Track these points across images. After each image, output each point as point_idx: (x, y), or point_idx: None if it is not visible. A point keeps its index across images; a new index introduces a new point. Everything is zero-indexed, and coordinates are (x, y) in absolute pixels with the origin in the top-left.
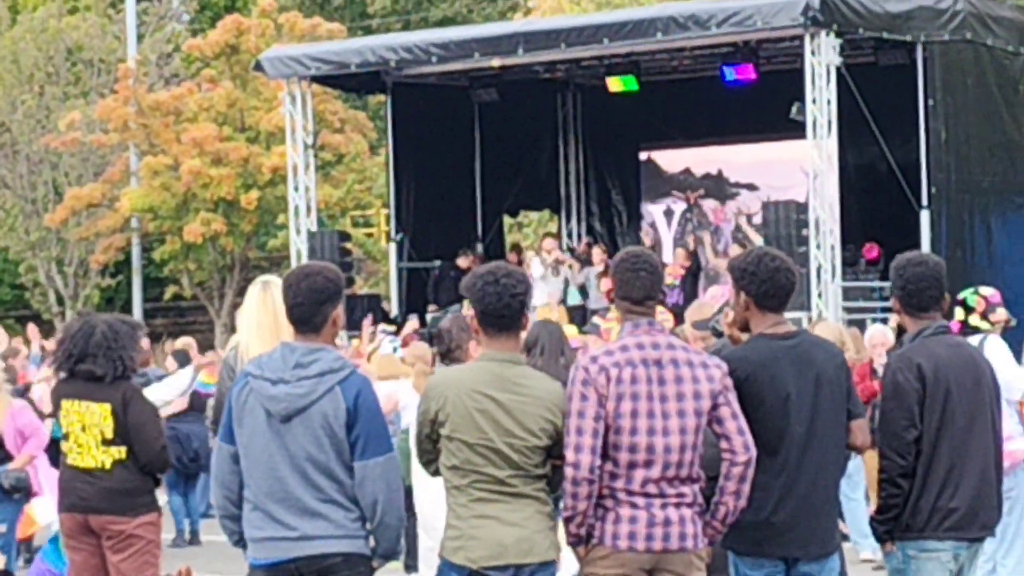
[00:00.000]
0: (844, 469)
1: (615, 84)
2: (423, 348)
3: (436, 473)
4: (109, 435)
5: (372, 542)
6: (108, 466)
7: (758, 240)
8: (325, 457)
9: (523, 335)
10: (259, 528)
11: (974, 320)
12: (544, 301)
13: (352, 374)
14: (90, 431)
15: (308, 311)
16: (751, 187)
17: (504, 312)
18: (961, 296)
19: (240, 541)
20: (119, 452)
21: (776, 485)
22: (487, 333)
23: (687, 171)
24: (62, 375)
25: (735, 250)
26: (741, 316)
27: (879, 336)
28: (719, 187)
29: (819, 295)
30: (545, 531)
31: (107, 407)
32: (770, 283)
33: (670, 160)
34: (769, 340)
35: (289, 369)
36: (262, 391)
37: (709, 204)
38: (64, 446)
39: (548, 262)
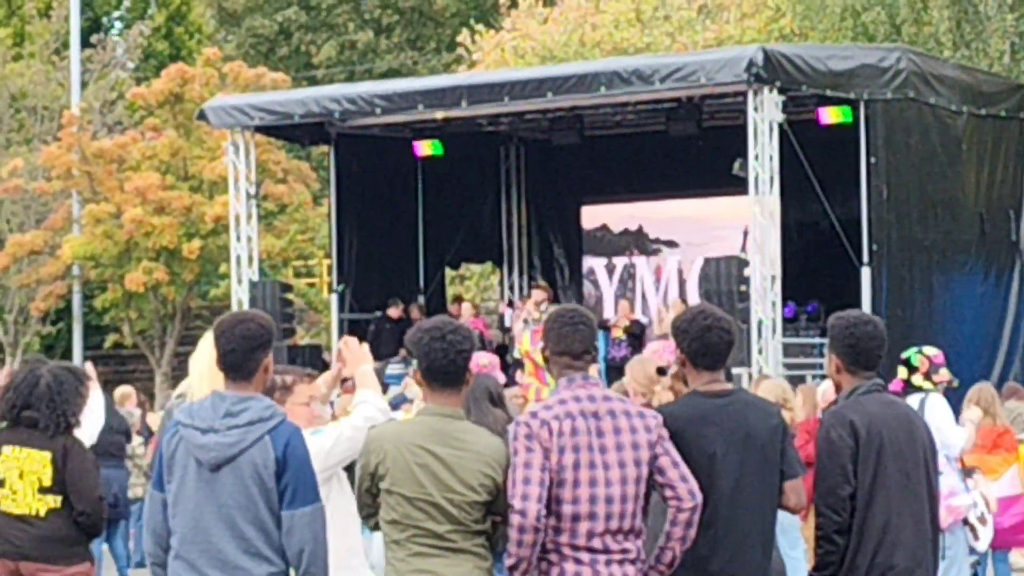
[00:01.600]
0: (772, 529)
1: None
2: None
3: (376, 527)
4: (47, 483)
5: None
6: (43, 514)
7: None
8: (254, 506)
9: (465, 390)
10: (181, 572)
11: (917, 380)
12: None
13: (282, 423)
14: (27, 478)
15: (240, 358)
16: (687, 244)
17: (449, 369)
18: (904, 355)
19: None
20: (55, 500)
21: (703, 541)
22: (430, 387)
23: (627, 228)
24: (3, 424)
25: (677, 306)
26: (680, 372)
27: (831, 393)
28: (653, 242)
29: (759, 351)
30: None
31: (47, 455)
32: (701, 341)
33: (611, 215)
34: (702, 397)
35: (219, 418)
36: (192, 440)
37: (651, 260)
38: None
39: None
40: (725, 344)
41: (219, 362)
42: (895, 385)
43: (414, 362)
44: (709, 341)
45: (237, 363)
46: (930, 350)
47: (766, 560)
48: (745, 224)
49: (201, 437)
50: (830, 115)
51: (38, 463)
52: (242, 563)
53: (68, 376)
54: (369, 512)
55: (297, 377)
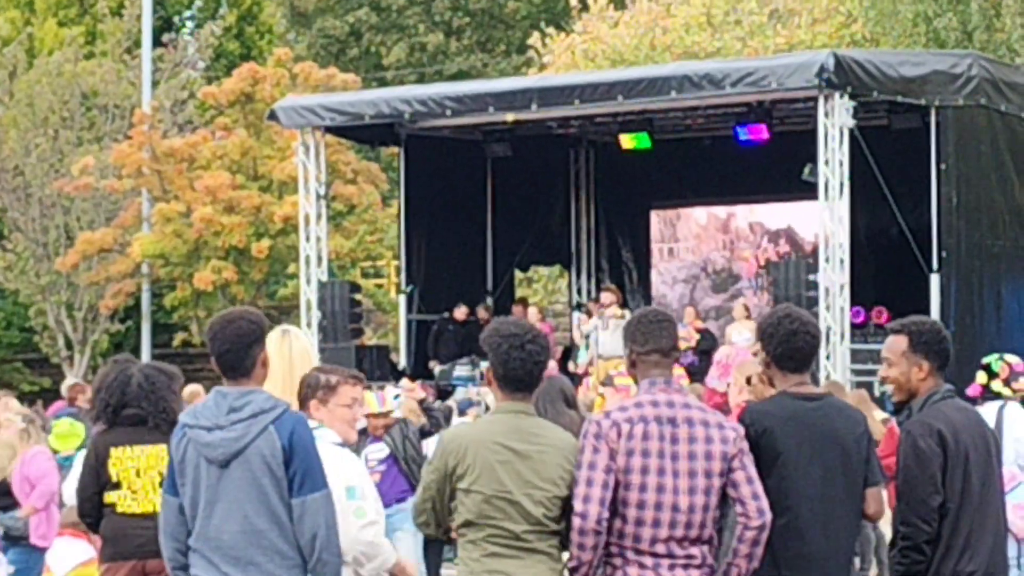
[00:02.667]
0: (855, 535)
1: (628, 141)
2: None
3: (432, 535)
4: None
5: None
6: None
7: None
8: (266, 498)
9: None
10: (198, 568)
11: (996, 386)
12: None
13: (285, 412)
14: (146, 475)
15: (235, 357)
16: (761, 244)
17: (526, 379)
18: (985, 361)
19: None
20: None
21: (782, 547)
22: (503, 390)
23: (700, 230)
24: (102, 426)
25: (740, 311)
26: (765, 374)
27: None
28: (730, 247)
29: (827, 356)
30: None
31: (163, 448)
32: (788, 345)
33: (683, 218)
34: (792, 399)
35: (223, 415)
36: (198, 439)
37: (719, 263)
38: (111, 496)
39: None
40: (811, 347)
41: (217, 364)
42: (973, 390)
43: (483, 364)
44: (795, 345)
45: (233, 362)
46: (1012, 357)
47: (849, 565)
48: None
49: (207, 435)
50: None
51: (157, 458)
52: (255, 558)
53: (158, 374)
54: (431, 519)
55: (342, 378)
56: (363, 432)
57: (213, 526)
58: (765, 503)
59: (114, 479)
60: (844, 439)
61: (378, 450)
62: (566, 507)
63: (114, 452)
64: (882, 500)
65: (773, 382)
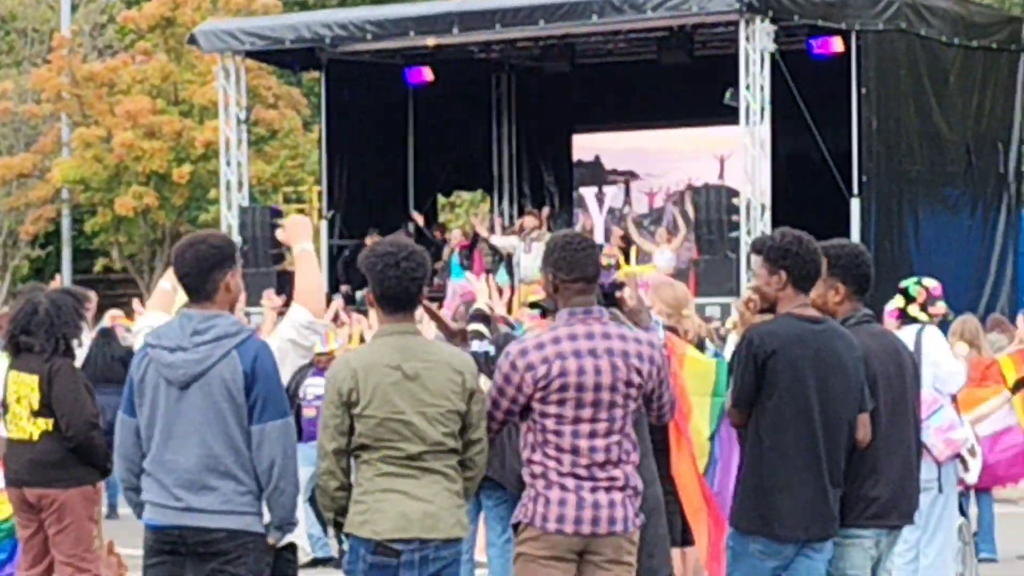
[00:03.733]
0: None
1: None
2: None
3: (337, 453)
4: (36, 406)
5: (266, 516)
6: (36, 437)
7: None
8: (224, 423)
9: (419, 310)
10: (150, 492)
11: (913, 310)
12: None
13: (249, 338)
14: (22, 402)
15: (196, 280)
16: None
17: (402, 296)
18: (903, 285)
19: (143, 512)
20: (46, 423)
21: (771, 471)
22: (384, 310)
23: (616, 155)
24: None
25: (662, 234)
26: (774, 295)
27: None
28: (644, 171)
29: (748, 280)
30: (452, 509)
31: (36, 378)
32: (812, 264)
33: (600, 144)
34: (797, 320)
35: (187, 337)
36: (160, 360)
37: (641, 187)
38: (4, 420)
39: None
40: (819, 269)
41: (181, 286)
42: (891, 314)
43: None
44: (818, 263)
45: (195, 285)
46: (929, 281)
47: (838, 488)
48: (720, 154)
49: (169, 356)
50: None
51: (29, 387)
52: (210, 481)
53: (66, 299)
54: (335, 467)
55: None
56: (309, 365)
57: (170, 448)
58: (669, 413)
59: (6, 403)
60: (846, 363)
61: (317, 385)
62: (464, 421)
63: (10, 376)
64: (868, 426)
65: (771, 307)
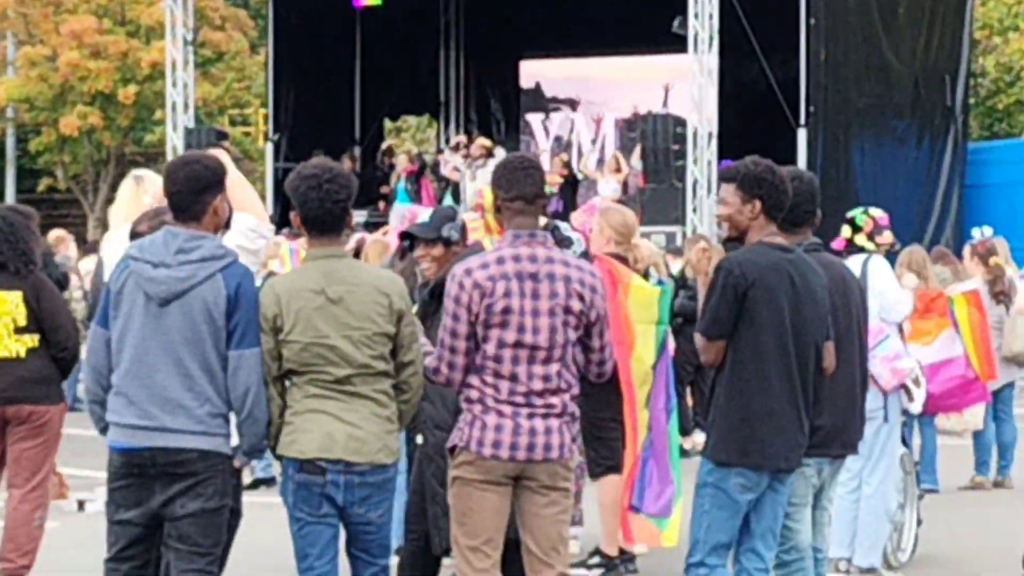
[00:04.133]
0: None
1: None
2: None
3: (276, 379)
4: (22, 322)
5: (236, 440)
6: (23, 354)
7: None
8: (201, 344)
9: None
10: (119, 414)
11: (860, 240)
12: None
13: (234, 263)
14: (2, 320)
15: (186, 199)
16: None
17: (326, 218)
18: (850, 215)
19: (105, 428)
20: (32, 340)
21: (750, 400)
22: (310, 234)
23: (559, 83)
24: None
25: (611, 162)
26: (746, 224)
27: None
28: (590, 99)
29: (694, 210)
30: (380, 435)
31: (18, 295)
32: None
33: (548, 70)
34: (770, 248)
35: (171, 254)
36: (142, 273)
37: (587, 115)
38: None
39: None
40: (790, 197)
41: (169, 203)
42: (837, 244)
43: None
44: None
45: (183, 204)
46: (876, 211)
47: (809, 418)
48: (665, 82)
49: (152, 271)
50: None
51: (11, 304)
52: (184, 401)
53: (14, 215)
54: (271, 371)
55: None
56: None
57: (146, 365)
58: (609, 366)
59: None
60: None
61: None
62: (395, 343)
63: None
64: (833, 353)
65: (739, 237)
